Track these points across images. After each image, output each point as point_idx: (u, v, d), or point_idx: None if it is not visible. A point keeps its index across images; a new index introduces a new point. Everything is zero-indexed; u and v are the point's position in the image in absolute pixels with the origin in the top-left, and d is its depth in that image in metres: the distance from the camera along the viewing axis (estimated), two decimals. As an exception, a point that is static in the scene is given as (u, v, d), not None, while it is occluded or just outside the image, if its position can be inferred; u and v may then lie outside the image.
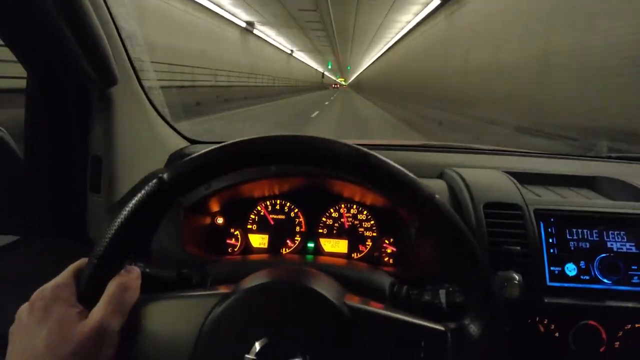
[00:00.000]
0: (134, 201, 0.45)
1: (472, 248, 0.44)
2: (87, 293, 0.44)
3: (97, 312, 0.43)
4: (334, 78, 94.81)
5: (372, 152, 0.45)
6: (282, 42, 32.31)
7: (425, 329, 0.43)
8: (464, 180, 0.79)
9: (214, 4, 16.73)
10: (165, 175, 0.45)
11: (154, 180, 0.45)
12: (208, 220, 0.87)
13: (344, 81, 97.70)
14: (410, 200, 0.44)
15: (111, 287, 0.44)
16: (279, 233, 0.88)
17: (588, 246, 0.70)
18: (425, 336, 0.43)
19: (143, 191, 0.45)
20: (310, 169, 0.79)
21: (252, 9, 18.42)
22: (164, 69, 11.41)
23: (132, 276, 0.47)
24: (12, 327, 0.44)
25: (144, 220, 0.46)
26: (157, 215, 0.46)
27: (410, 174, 0.45)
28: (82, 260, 0.47)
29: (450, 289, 0.57)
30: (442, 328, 0.44)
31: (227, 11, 18.23)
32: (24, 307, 0.44)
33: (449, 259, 0.45)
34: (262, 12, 18.80)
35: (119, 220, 0.44)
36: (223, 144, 0.46)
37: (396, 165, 0.45)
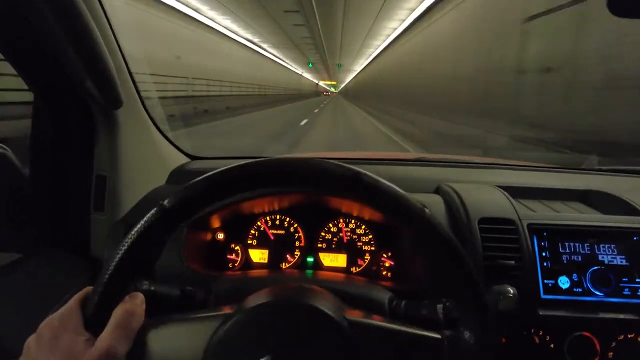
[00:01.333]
0: (136, 229, 0.46)
1: (463, 259, 0.46)
2: (94, 320, 0.45)
3: (104, 339, 0.44)
4: (324, 86, 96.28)
5: (364, 170, 0.47)
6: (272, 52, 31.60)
7: (422, 338, 0.45)
8: (459, 195, 0.81)
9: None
10: (166, 202, 0.46)
11: (155, 208, 0.46)
12: (209, 236, 0.89)
13: (334, 88, 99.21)
14: (402, 216, 0.46)
15: (117, 313, 0.45)
16: (278, 248, 0.90)
17: (580, 259, 0.72)
18: (422, 344, 0.45)
19: (145, 219, 0.46)
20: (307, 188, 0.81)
21: (245, 24, 17.81)
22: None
23: (137, 302, 0.48)
24: (20, 358, 0.45)
25: (147, 247, 0.47)
26: (160, 241, 0.47)
27: (401, 191, 0.47)
28: (87, 289, 0.48)
29: (447, 304, 0.59)
30: (438, 336, 0.46)
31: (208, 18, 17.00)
32: (32, 337, 0.45)
33: (441, 271, 0.47)
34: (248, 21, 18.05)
35: (122, 248, 0.45)
36: (220, 169, 0.47)
37: (387, 182, 0.47)
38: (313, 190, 0.48)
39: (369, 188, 0.46)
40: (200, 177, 0.47)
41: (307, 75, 68.93)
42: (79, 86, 0.74)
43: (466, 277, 0.46)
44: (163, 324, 0.48)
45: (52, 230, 0.85)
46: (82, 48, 0.67)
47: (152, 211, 0.46)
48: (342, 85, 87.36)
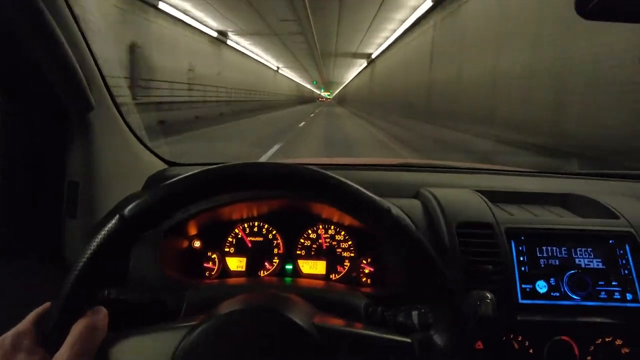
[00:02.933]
0: (95, 241, 0.44)
1: (431, 258, 0.45)
2: (51, 337, 0.43)
3: (61, 356, 0.42)
4: (318, 92, 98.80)
5: (332, 173, 0.46)
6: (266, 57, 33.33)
7: (392, 342, 0.45)
8: (437, 200, 0.81)
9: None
10: (125, 212, 0.44)
11: (115, 218, 0.44)
12: (185, 243, 0.87)
13: (329, 95, 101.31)
14: (371, 217, 0.46)
15: (76, 328, 0.43)
16: (256, 256, 0.88)
17: (557, 263, 0.72)
18: (392, 349, 0.44)
19: (104, 230, 0.44)
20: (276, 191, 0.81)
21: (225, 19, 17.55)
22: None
23: (98, 317, 0.46)
24: None
25: (108, 258, 0.45)
26: (122, 251, 0.46)
27: (368, 192, 0.46)
28: (45, 305, 0.47)
29: (423, 310, 0.58)
30: (408, 340, 0.45)
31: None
32: None
33: (411, 270, 0.47)
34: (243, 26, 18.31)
35: (81, 262, 0.44)
36: (182, 176, 0.45)
37: (354, 185, 0.46)
38: (282, 192, 0.47)
39: (338, 190, 0.46)
40: (160, 185, 0.45)
41: (308, 86, 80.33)
42: (48, 90, 0.72)
43: (435, 277, 0.46)
44: (126, 337, 0.46)
45: (24, 237, 0.83)
46: (47, 50, 0.65)
47: (112, 221, 0.44)
48: (335, 93, 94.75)
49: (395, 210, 0.46)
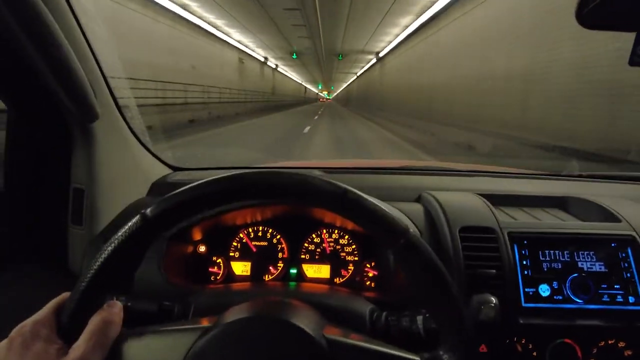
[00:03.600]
0: (117, 237, 0.45)
1: (445, 282, 0.45)
2: (68, 328, 0.44)
3: (78, 348, 0.43)
4: (318, 92, 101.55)
5: (349, 187, 0.47)
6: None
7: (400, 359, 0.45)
8: (440, 204, 0.81)
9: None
10: (148, 211, 0.45)
11: (137, 217, 0.46)
12: (190, 249, 0.87)
13: (329, 96, 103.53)
14: (386, 235, 0.47)
15: (93, 322, 0.44)
16: (261, 260, 0.89)
17: (560, 267, 0.72)
18: None
19: (126, 227, 0.45)
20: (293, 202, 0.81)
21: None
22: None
23: (114, 310, 0.47)
24: None
25: (127, 256, 0.46)
26: (140, 250, 0.47)
27: (385, 210, 0.47)
28: (63, 295, 0.47)
29: (427, 315, 0.58)
30: (417, 358, 0.45)
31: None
32: (3, 343, 0.44)
33: (422, 291, 0.47)
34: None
35: (102, 255, 0.45)
36: (204, 180, 0.47)
37: (372, 200, 0.47)
38: (299, 203, 0.48)
39: (354, 205, 0.47)
40: (184, 188, 0.47)
41: (311, 87, 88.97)
42: (54, 99, 0.72)
43: (447, 298, 0.46)
44: (140, 335, 0.47)
45: (29, 244, 0.83)
46: (51, 60, 0.66)
47: (134, 219, 0.46)
48: (334, 95, 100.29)
49: (413, 231, 0.47)
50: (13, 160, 0.81)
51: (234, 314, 0.48)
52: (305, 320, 0.47)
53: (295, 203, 0.78)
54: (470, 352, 0.45)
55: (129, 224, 0.46)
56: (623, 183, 1.06)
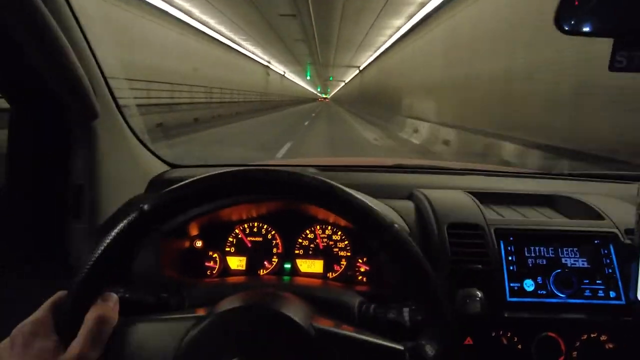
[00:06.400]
0: (114, 232, 0.47)
1: (426, 274, 0.48)
2: (66, 325, 0.46)
3: (76, 345, 0.44)
4: (319, 95, 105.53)
5: (336, 184, 0.49)
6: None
7: (385, 348, 0.47)
8: (429, 201, 0.84)
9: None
10: (145, 206, 0.47)
11: (135, 211, 0.47)
12: (187, 243, 0.89)
13: (327, 96, 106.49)
14: (372, 229, 0.49)
15: (89, 319, 0.46)
16: (256, 255, 0.91)
17: (544, 262, 0.75)
18: (385, 355, 0.47)
19: (124, 222, 0.47)
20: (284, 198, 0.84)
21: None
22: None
23: (109, 305, 0.49)
24: None
25: (123, 251, 0.48)
26: (137, 243, 0.49)
27: (371, 205, 0.49)
28: (60, 293, 0.49)
29: (413, 307, 0.61)
30: (400, 347, 0.47)
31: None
32: (5, 343, 0.46)
33: (406, 283, 0.49)
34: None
35: (98, 251, 0.47)
36: (200, 176, 0.49)
37: (358, 196, 0.49)
38: (288, 199, 0.50)
39: (341, 200, 0.49)
40: (180, 184, 0.49)
41: (309, 87, 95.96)
42: (53, 97, 0.74)
43: (428, 290, 0.48)
44: (136, 324, 0.49)
45: (30, 239, 0.85)
46: (52, 59, 0.68)
47: (132, 214, 0.48)
48: (332, 94, 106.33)
49: (397, 226, 0.49)
50: (15, 158, 0.83)
51: (227, 304, 0.50)
52: (294, 311, 0.49)
53: (284, 198, 0.81)
54: (452, 342, 0.48)
55: (127, 218, 0.47)
56: (608, 182, 1.09)
